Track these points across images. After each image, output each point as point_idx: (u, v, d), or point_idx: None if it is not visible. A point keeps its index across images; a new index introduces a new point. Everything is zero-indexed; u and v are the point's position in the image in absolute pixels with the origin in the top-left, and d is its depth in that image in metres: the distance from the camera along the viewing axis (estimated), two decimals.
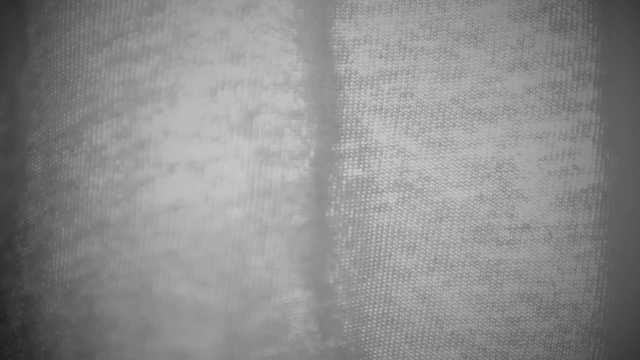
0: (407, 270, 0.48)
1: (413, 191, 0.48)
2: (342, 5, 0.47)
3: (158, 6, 0.45)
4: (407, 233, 0.48)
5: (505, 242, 0.47)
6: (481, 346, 0.48)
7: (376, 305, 0.48)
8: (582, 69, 0.46)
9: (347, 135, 0.47)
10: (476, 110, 0.47)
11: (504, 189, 0.47)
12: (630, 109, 0.47)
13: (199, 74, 0.45)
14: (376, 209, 0.48)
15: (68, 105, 0.46)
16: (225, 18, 0.45)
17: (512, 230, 0.47)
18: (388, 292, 0.48)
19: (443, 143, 0.48)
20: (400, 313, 0.48)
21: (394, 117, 0.48)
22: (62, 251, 0.46)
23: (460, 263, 0.48)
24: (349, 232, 0.47)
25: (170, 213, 0.44)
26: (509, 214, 0.47)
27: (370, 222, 0.48)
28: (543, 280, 0.47)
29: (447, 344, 0.48)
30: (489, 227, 0.47)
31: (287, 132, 0.45)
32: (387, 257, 0.48)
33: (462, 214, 0.48)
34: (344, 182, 0.47)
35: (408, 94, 0.48)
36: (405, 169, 0.48)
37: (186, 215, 0.44)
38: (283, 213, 0.45)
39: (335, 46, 0.47)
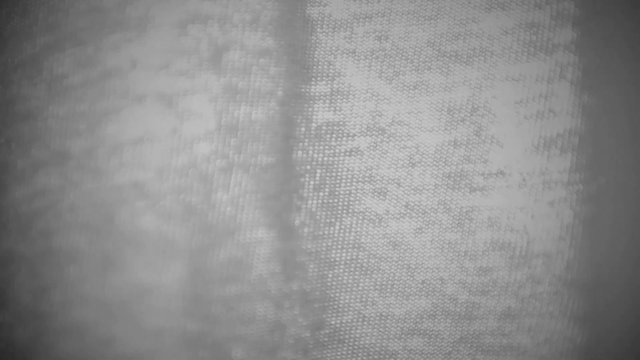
0: (377, 216, 0.47)
1: (385, 135, 0.47)
2: None
3: None
4: (378, 178, 0.47)
5: (478, 188, 0.46)
6: (452, 296, 0.46)
7: (344, 250, 0.47)
8: (560, 8, 0.45)
9: (319, 78, 0.46)
10: (452, 53, 0.46)
11: (478, 134, 0.46)
12: (610, 48, 0.46)
13: (169, 6, 0.44)
14: (347, 153, 0.47)
15: (28, 34, 0.45)
16: None
17: (485, 176, 0.46)
18: (357, 237, 0.47)
19: (417, 87, 0.46)
20: (370, 259, 0.47)
21: (367, 61, 0.47)
22: (18, 184, 0.45)
23: (432, 210, 0.46)
24: (317, 175, 0.46)
25: (137, 145, 0.44)
26: (483, 160, 0.46)
27: (340, 166, 0.47)
28: (516, 228, 0.46)
29: (417, 292, 0.46)
30: (462, 173, 0.46)
31: (255, 70, 0.44)
32: (356, 202, 0.47)
33: (435, 159, 0.46)
34: (314, 124, 0.46)
35: (383, 37, 0.47)
36: (378, 113, 0.47)
37: (153, 148, 0.44)
38: (249, 151, 0.44)
39: None
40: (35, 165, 0.44)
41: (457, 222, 0.46)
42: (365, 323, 0.46)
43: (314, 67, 0.46)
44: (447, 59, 0.46)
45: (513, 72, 0.46)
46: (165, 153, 0.43)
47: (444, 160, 0.46)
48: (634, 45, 0.46)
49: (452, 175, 0.46)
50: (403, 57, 0.47)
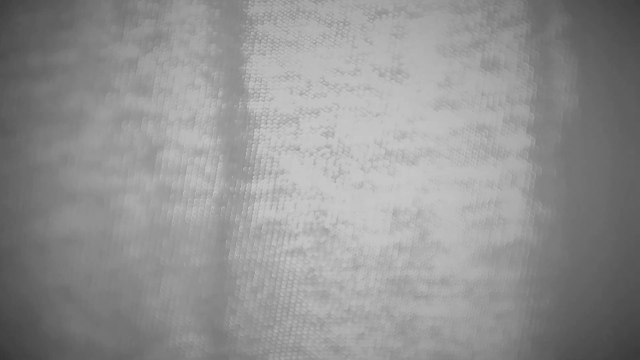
0: (319, 320, 0.45)
1: (329, 236, 0.45)
2: (263, 41, 0.45)
3: (65, 24, 0.43)
4: (320, 280, 0.45)
5: (422, 296, 0.44)
6: None
7: (283, 354, 0.45)
8: (514, 112, 0.44)
9: (260, 176, 0.45)
10: (398, 152, 0.45)
11: (423, 239, 0.44)
12: (565, 159, 0.44)
13: (104, 102, 0.42)
14: (288, 254, 0.45)
15: None
16: (135, 47, 0.43)
17: (429, 283, 0.44)
18: (297, 341, 0.45)
19: (363, 186, 0.45)
20: None
21: (313, 158, 0.45)
22: None
23: (375, 315, 0.45)
24: (255, 276, 0.44)
25: (64, 245, 0.42)
26: (427, 266, 0.44)
27: (281, 266, 0.45)
28: (460, 340, 0.44)
29: None
30: (405, 279, 0.44)
31: (190, 169, 0.42)
32: (297, 304, 0.45)
33: (379, 262, 0.45)
34: (253, 224, 0.44)
35: (329, 134, 0.45)
36: (321, 212, 0.45)
37: (81, 249, 0.42)
38: (181, 253, 0.42)
39: (251, 83, 0.44)
40: None
41: (399, 329, 0.45)
42: None
43: (255, 163, 0.45)
44: (393, 158, 0.45)
45: (461, 175, 0.44)
46: (94, 255, 0.42)
47: (388, 264, 0.45)
48: (590, 156, 0.45)
49: (396, 280, 0.45)
50: (349, 155, 0.45)
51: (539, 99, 0.44)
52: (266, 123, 0.45)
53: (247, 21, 0.45)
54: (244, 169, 0.44)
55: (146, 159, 0.42)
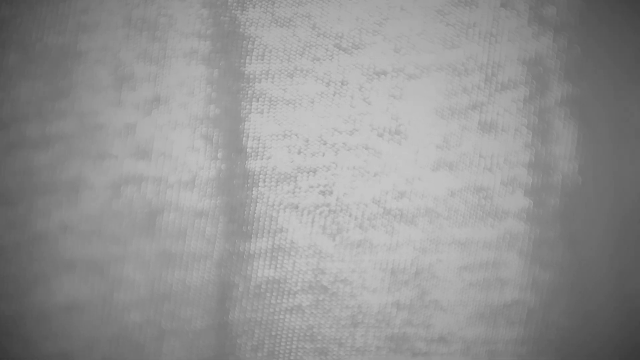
0: None
1: (328, 294, 0.45)
2: (261, 99, 0.45)
3: (62, 92, 0.42)
4: (319, 337, 0.45)
5: (420, 353, 0.45)
6: None
7: None
8: (511, 175, 0.44)
9: (259, 235, 0.45)
10: (397, 212, 0.45)
11: (421, 298, 0.45)
12: (564, 222, 0.45)
13: (102, 168, 0.42)
14: (287, 311, 0.45)
15: None
16: (133, 111, 0.42)
17: (427, 341, 0.45)
18: None
19: (361, 245, 0.45)
20: None
21: (311, 216, 0.45)
22: None
23: None
24: (256, 335, 0.45)
25: (65, 313, 0.42)
26: (425, 325, 0.45)
27: (280, 324, 0.45)
28: None
29: None
30: (404, 337, 0.45)
31: (190, 232, 0.42)
32: None
33: (377, 320, 0.45)
34: (252, 283, 0.45)
35: (327, 192, 0.45)
36: (320, 270, 0.45)
37: (82, 317, 0.42)
38: (182, 317, 0.42)
39: (250, 142, 0.44)
40: None
41: None
42: None
43: (254, 222, 0.45)
44: (392, 218, 0.45)
45: (459, 236, 0.45)
46: (95, 322, 0.42)
47: (386, 322, 0.45)
48: (590, 220, 0.45)
49: (395, 338, 0.45)
50: (347, 214, 0.45)
51: (537, 163, 0.44)
52: (264, 182, 0.45)
53: (245, 80, 0.45)
54: (243, 228, 0.45)
55: (146, 223, 0.42)
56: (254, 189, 0.45)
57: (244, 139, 0.45)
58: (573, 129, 0.45)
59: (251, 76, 0.45)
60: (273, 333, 0.45)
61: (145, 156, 0.43)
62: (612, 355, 0.46)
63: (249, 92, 0.45)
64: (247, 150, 0.45)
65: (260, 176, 0.45)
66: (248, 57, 0.45)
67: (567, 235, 0.45)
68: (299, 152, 0.45)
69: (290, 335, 0.45)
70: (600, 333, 0.45)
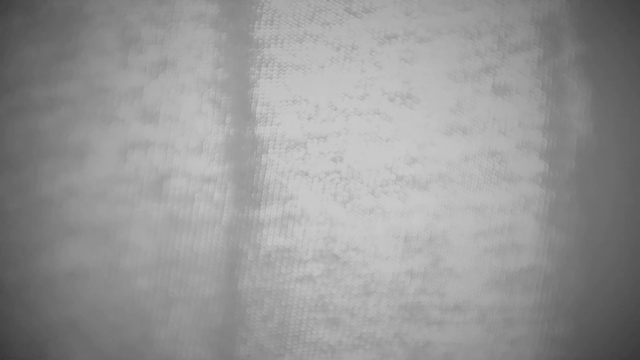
0: (330, 347, 0.44)
1: (339, 263, 0.44)
2: (270, 65, 0.44)
3: (67, 55, 0.42)
4: (331, 307, 0.44)
5: (435, 322, 0.44)
6: None
7: None
8: (526, 137, 0.43)
9: (269, 202, 0.44)
10: (409, 178, 0.44)
11: (435, 265, 0.44)
12: (580, 185, 0.43)
13: (109, 132, 0.42)
14: (298, 281, 0.44)
15: None
16: (140, 75, 0.42)
17: (442, 310, 0.44)
18: None
19: (373, 212, 0.44)
20: None
21: (322, 183, 0.44)
22: None
23: (387, 342, 0.44)
24: (265, 304, 0.44)
25: (70, 279, 0.41)
26: (439, 293, 0.44)
27: (291, 294, 0.44)
28: None
29: None
30: (418, 305, 0.44)
31: (198, 197, 0.42)
32: (308, 332, 0.44)
33: (390, 289, 0.44)
34: (262, 251, 0.44)
35: (338, 159, 0.44)
36: (331, 238, 0.44)
37: (87, 283, 0.41)
38: (190, 284, 0.42)
39: (259, 108, 0.44)
40: None
41: (412, 356, 0.44)
42: None
43: (264, 189, 0.44)
44: (404, 184, 0.44)
45: (474, 201, 0.43)
46: (101, 288, 0.41)
47: (399, 290, 0.44)
48: (606, 182, 0.44)
49: (408, 306, 0.44)
50: (358, 180, 0.44)
51: (552, 124, 0.43)
52: (274, 148, 0.44)
53: (253, 45, 0.44)
54: (252, 195, 0.44)
55: (153, 188, 0.42)
56: (263, 155, 0.44)
57: (253, 104, 0.44)
58: (587, 88, 0.44)
59: (260, 41, 0.44)
60: (283, 303, 0.44)
61: (152, 120, 0.42)
62: (629, 318, 0.44)
63: (258, 57, 0.44)
64: (256, 115, 0.44)
65: (270, 142, 0.44)
66: (257, 21, 0.44)
67: (583, 197, 0.43)
68: (309, 118, 0.44)
69: (300, 305, 0.44)
70: (617, 296, 0.44)
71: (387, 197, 0.44)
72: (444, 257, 0.44)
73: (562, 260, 0.43)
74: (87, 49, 0.42)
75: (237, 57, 0.44)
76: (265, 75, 0.44)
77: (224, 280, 0.43)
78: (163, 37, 0.43)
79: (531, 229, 0.43)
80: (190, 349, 0.42)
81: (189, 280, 0.42)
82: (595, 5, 0.44)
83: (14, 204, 0.42)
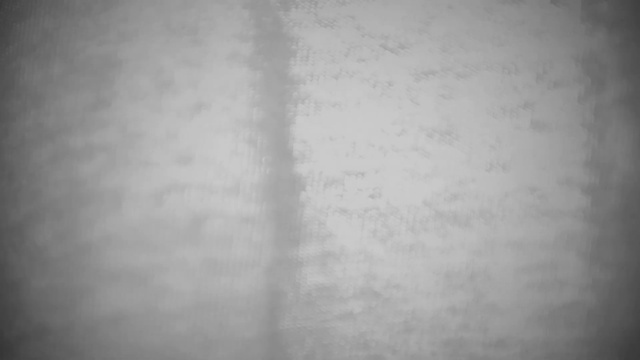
0: None
1: (380, 300, 0.44)
2: (306, 102, 0.44)
3: (104, 102, 0.42)
4: (372, 344, 0.44)
5: (478, 358, 0.43)
6: None
7: None
8: (567, 174, 0.43)
9: (308, 240, 0.44)
10: (449, 214, 0.44)
11: (477, 301, 0.43)
12: (625, 221, 0.43)
13: (145, 177, 0.42)
14: (339, 319, 0.44)
15: (14, 201, 0.43)
16: (174, 118, 0.42)
17: (485, 346, 0.43)
18: None
19: (413, 248, 0.44)
20: None
21: (360, 220, 0.44)
22: (3, 355, 0.42)
23: None
24: (307, 344, 0.44)
25: (111, 324, 0.41)
26: (482, 329, 0.43)
27: (332, 332, 0.44)
28: None
29: None
30: (461, 342, 0.44)
31: (236, 239, 0.41)
32: None
33: (432, 325, 0.44)
34: (302, 290, 0.44)
35: (376, 195, 0.44)
36: (372, 275, 0.44)
37: (127, 328, 0.41)
38: (230, 326, 0.42)
39: (296, 145, 0.44)
40: (18, 337, 0.42)
41: None
42: None
43: (303, 228, 0.44)
44: (445, 220, 0.44)
45: (515, 237, 0.43)
46: (139, 333, 0.41)
47: (441, 326, 0.44)
48: None
49: (451, 343, 0.44)
50: (398, 217, 0.44)
51: (594, 161, 0.43)
52: (312, 186, 0.44)
53: (289, 82, 0.44)
54: (291, 234, 0.44)
55: (190, 231, 0.42)
56: (301, 193, 0.44)
57: (290, 142, 0.44)
58: (632, 127, 0.43)
59: (295, 78, 0.44)
60: (325, 342, 0.44)
61: (187, 162, 0.42)
62: None
63: (294, 94, 0.44)
64: (293, 153, 0.44)
65: (307, 180, 0.44)
66: (292, 58, 0.44)
67: (628, 234, 0.43)
68: (347, 155, 0.44)
69: (342, 343, 0.44)
70: None
71: (427, 234, 0.44)
72: (485, 293, 0.43)
73: (607, 296, 0.42)
74: (122, 95, 0.42)
75: (273, 95, 0.44)
76: (301, 113, 0.44)
77: (264, 321, 0.43)
78: (197, 78, 0.42)
79: (574, 265, 0.43)
80: None
81: (229, 322, 0.42)
82: (638, 43, 0.43)
83: (57, 250, 0.42)
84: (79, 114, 0.42)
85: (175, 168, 0.42)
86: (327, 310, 0.44)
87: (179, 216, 0.42)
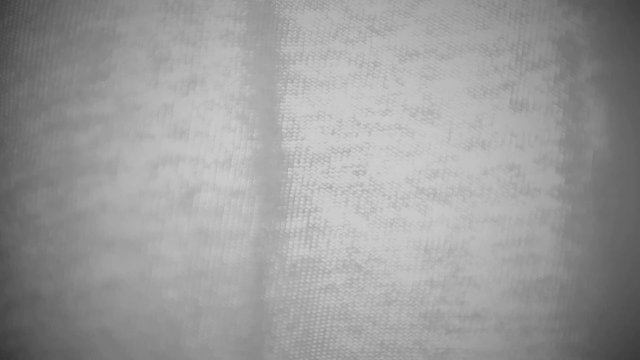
0: (352, 354, 0.46)
1: (362, 272, 0.46)
2: (295, 81, 0.45)
3: (101, 74, 0.43)
4: (354, 316, 0.46)
5: (454, 330, 0.45)
6: None
7: None
8: (542, 152, 0.45)
9: (294, 214, 0.45)
10: (430, 190, 0.45)
11: (455, 275, 0.45)
12: (596, 198, 0.45)
13: (140, 148, 0.43)
14: (322, 290, 0.46)
15: (4, 170, 0.44)
16: (170, 92, 0.43)
17: (462, 318, 0.45)
18: None
19: (395, 223, 0.46)
20: None
21: (345, 195, 0.46)
22: None
23: (407, 349, 0.46)
24: (291, 313, 0.45)
25: (104, 291, 0.43)
26: (459, 301, 0.45)
27: (315, 303, 0.46)
28: None
29: None
30: (438, 314, 0.45)
31: (227, 211, 0.43)
32: (331, 340, 0.46)
33: (411, 298, 0.46)
34: (288, 262, 0.45)
35: (361, 172, 0.46)
36: (354, 249, 0.46)
37: (120, 294, 0.43)
38: (219, 294, 0.43)
39: (284, 123, 0.45)
40: (7, 304, 0.43)
41: None
42: None
43: (290, 202, 0.45)
44: (425, 197, 0.45)
45: (492, 213, 0.45)
46: (132, 299, 0.42)
47: (420, 299, 0.46)
48: (622, 195, 0.46)
49: (428, 315, 0.46)
50: (380, 193, 0.46)
51: (569, 139, 0.45)
52: (299, 162, 0.45)
53: (280, 61, 0.45)
54: (278, 208, 0.45)
55: (183, 202, 0.43)
56: (289, 169, 0.45)
57: (279, 119, 0.45)
58: (604, 105, 0.45)
59: (286, 57, 0.45)
60: (308, 312, 0.46)
61: (182, 136, 0.43)
62: None
63: (284, 73, 0.45)
64: (282, 130, 0.45)
65: (295, 156, 0.46)
66: (283, 38, 0.45)
67: (600, 210, 0.45)
68: (333, 133, 0.46)
69: (324, 313, 0.46)
70: (634, 305, 0.46)
71: (408, 210, 0.46)
72: (463, 267, 0.45)
73: (579, 271, 0.44)
74: (119, 68, 0.43)
75: (264, 74, 0.45)
76: (290, 91, 0.46)
77: (251, 290, 0.44)
78: (192, 55, 0.44)
79: (548, 241, 0.45)
80: (219, 356, 0.43)
81: (218, 290, 0.43)
82: (612, 23, 0.45)
83: (50, 218, 0.43)
84: (75, 85, 0.43)
85: (170, 141, 0.43)
86: (310, 282, 0.45)
87: (173, 187, 0.43)
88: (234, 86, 0.44)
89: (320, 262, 0.46)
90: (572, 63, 0.45)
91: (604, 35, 0.45)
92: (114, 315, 0.43)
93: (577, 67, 0.45)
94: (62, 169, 0.43)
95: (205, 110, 0.44)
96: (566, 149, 0.45)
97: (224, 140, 0.44)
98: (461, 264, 0.45)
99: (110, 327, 0.43)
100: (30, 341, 0.43)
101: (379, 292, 0.46)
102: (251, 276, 0.44)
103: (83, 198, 0.43)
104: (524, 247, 0.45)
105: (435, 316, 0.45)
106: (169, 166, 0.43)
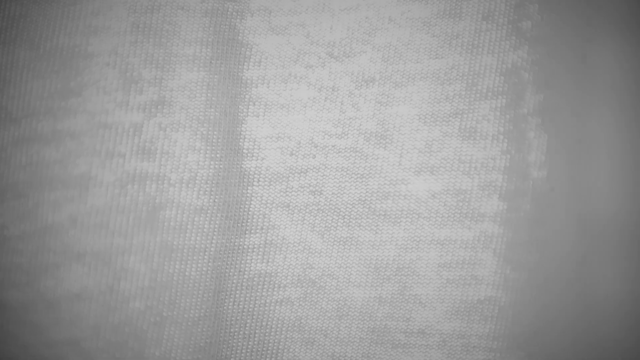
0: None
1: (315, 287, 0.48)
2: (257, 104, 0.47)
3: (73, 91, 0.45)
4: (307, 328, 0.48)
5: (400, 345, 0.48)
6: None
7: None
8: (488, 179, 0.47)
9: (253, 230, 0.48)
10: (381, 212, 0.48)
11: (402, 293, 0.48)
12: (534, 226, 0.48)
13: (110, 166, 0.45)
14: (277, 303, 0.48)
15: None
16: (139, 113, 0.45)
17: (407, 334, 0.48)
18: None
19: (348, 242, 0.48)
20: None
21: (301, 214, 0.48)
22: None
23: None
24: (247, 324, 0.48)
25: (74, 301, 0.44)
26: (405, 318, 0.48)
27: (271, 315, 0.48)
28: None
29: None
30: (385, 329, 0.48)
31: (190, 228, 0.45)
32: (285, 351, 0.48)
33: (361, 313, 0.48)
34: (246, 276, 0.48)
35: (317, 192, 0.48)
36: (309, 265, 0.48)
37: (89, 305, 0.44)
38: (182, 306, 0.45)
39: (246, 143, 0.47)
40: None
41: None
42: None
43: (249, 219, 0.48)
44: (377, 217, 0.48)
45: (438, 236, 0.48)
46: (100, 310, 0.44)
47: (369, 315, 0.48)
48: (558, 225, 0.49)
49: (377, 330, 0.48)
50: (335, 212, 0.48)
51: (512, 169, 0.47)
52: (259, 181, 0.48)
53: (242, 85, 0.47)
54: (238, 225, 0.47)
55: (149, 219, 0.45)
56: (249, 187, 0.48)
57: (241, 140, 0.48)
58: (543, 138, 0.48)
59: (248, 81, 0.48)
60: (264, 323, 0.48)
61: (149, 155, 0.45)
62: (576, 350, 0.49)
63: (246, 96, 0.48)
64: (244, 151, 0.48)
65: (255, 176, 0.48)
66: (246, 63, 0.47)
67: (537, 238, 0.48)
68: (292, 154, 0.48)
69: (279, 325, 0.48)
70: (564, 334, 0.49)
71: (361, 229, 0.48)
72: (410, 286, 0.48)
73: (515, 295, 0.47)
74: (90, 87, 0.45)
75: (227, 97, 0.47)
76: (252, 113, 0.48)
77: (210, 302, 0.46)
78: (161, 78, 0.46)
79: (489, 264, 0.47)
80: None
81: (180, 302, 0.45)
82: (552, 59, 0.48)
83: (16, 230, 0.45)
84: (46, 101, 0.45)
85: (138, 160, 0.45)
86: (267, 295, 0.48)
87: (140, 204, 0.45)
88: (198, 109, 0.46)
89: (276, 276, 0.48)
90: (516, 96, 0.47)
91: (545, 70, 0.47)
92: (82, 325, 0.44)
93: (521, 99, 0.47)
94: (32, 183, 0.45)
95: (172, 131, 0.46)
96: (509, 178, 0.47)
97: (189, 159, 0.46)
98: (408, 282, 0.48)
99: (79, 336, 0.44)
100: (0, 350, 0.44)
101: (331, 306, 0.48)
102: (210, 289, 0.46)
103: (54, 211, 0.44)
104: (467, 269, 0.47)
105: (382, 331, 0.48)
106: (137, 184, 0.45)
